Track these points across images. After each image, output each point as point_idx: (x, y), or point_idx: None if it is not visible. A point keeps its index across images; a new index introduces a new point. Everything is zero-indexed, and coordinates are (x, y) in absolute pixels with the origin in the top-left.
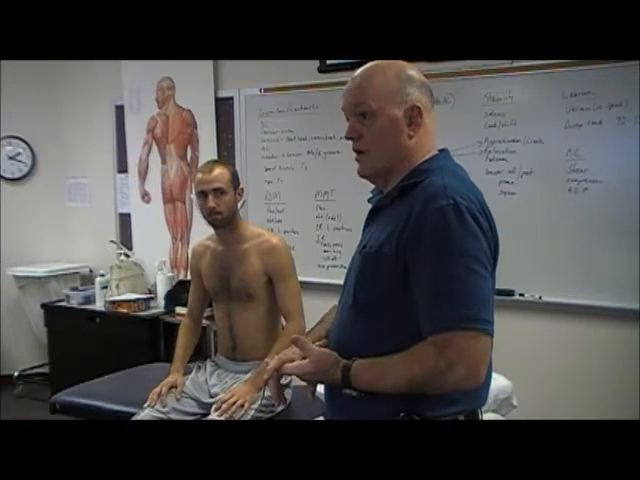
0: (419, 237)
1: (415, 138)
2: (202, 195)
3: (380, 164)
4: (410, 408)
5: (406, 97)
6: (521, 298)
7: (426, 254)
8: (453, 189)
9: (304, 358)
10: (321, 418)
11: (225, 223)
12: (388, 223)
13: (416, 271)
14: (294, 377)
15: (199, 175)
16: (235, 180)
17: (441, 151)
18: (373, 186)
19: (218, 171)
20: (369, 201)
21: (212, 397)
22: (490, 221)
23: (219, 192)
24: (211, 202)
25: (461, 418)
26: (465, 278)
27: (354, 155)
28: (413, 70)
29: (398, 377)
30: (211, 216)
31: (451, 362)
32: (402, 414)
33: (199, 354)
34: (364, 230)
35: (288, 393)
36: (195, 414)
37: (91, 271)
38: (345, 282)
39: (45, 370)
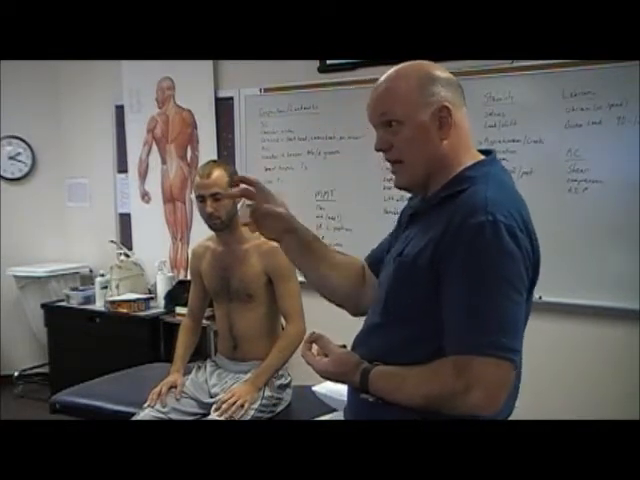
0: (454, 252)
1: (449, 140)
2: (201, 199)
3: (417, 174)
4: (426, 415)
5: (431, 98)
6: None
7: (458, 271)
8: (495, 203)
9: (325, 355)
10: (321, 418)
11: (224, 226)
12: (426, 232)
13: (447, 286)
14: (294, 377)
15: (197, 179)
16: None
17: (487, 153)
18: (373, 187)
19: (216, 175)
20: (409, 202)
21: (212, 397)
22: (532, 238)
23: (217, 197)
24: (209, 207)
25: None
26: (495, 302)
27: (355, 156)
28: (437, 69)
29: (414, 391)
30: (210, 221)
31: (468, 386)
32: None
33: (199, 354)
34: (401, 233)
35: (288, 393)
36: (195, 414)
37: (91, 271)
38: (379, 285)
39: (45, 370)
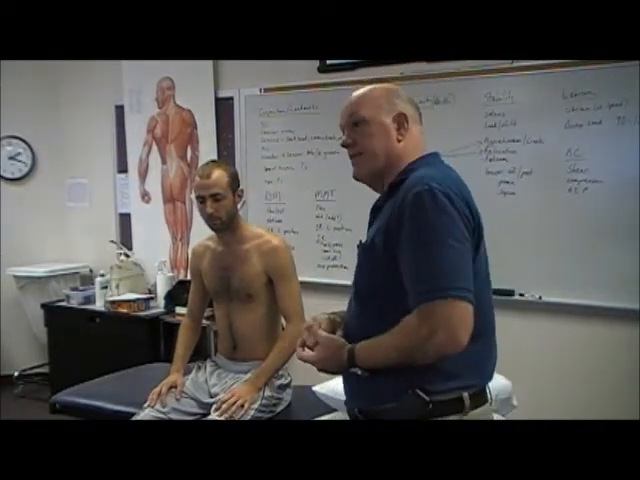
0: (400, 222)
1: (404, 142)
2: (201, 200)
3: (373, 165)
4: (413, 383)
5: (394, 107)
6: (521, 298)
7: (407, 237)
8: (430, 177)
9: (316, 343)
10: (321, 418)
11: (225, 227)
12: (380, 218)
13: (400, 252)
14: (294, 377)
15: (197, 180)
16: (234, 182)
17: (430, 154)
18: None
19: (216, 175)
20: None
21: (212, 397)
22: (470, 206)
23: (217, 197)
24: (209, 208)
25: (465, 394)
26: (440, 253)
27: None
28: (401, 90)
29: (388, 349)
30: (210, 221)
31: (432, 329)
32: (409, 391)
33: (199, 354)
34: (367, 231)
35: (288, 393)
36: (195, 414)
37: (91, 271)
38: (353, 278)
39: (45, 370)
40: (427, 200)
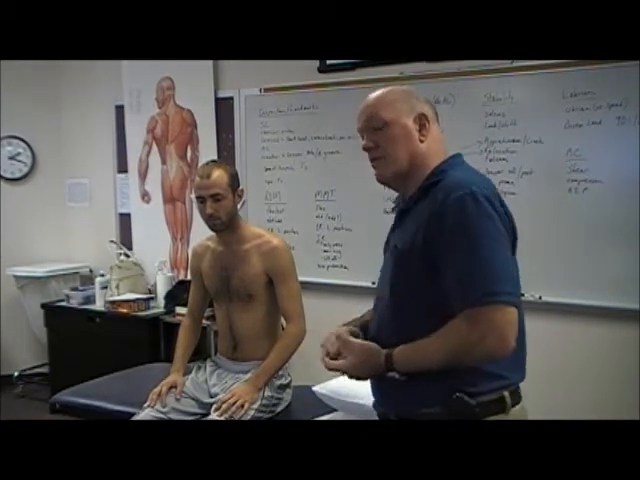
0: (442, 226)
1: (426, 143)
2: (201, 200)
3: (397, 167)
4: (456, 386)
5: (413, 108)
6: (521, 298)
7: (449, 239)
8: (469, 180)
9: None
10: (321, 418)
11: (225, 227)
12: (414, 221)
13: (442, 256)
14: (294, 377)
15: (197, 180)
16: (234, 182)
17: (455, 155)
18: (373, 187)
19: (216, 175)
20: (393, 210)
21: (212, 397)
22: (505, 206)
23: (217, 197)
24: (209, 208)
25: (506, 393)
26: (485, 256)
27: (355, 156)
28: (415, 91)
29: (433, 353)
30: (210, 221)
31: (482, 334)
32: (456, 395)
33: (199, 354)
34: (392, 232)
35: (288, 393)
36: (195, 414)
37: (91, 271)
38: (379, 282)
39: (45, 370)
40: (470, 204)
